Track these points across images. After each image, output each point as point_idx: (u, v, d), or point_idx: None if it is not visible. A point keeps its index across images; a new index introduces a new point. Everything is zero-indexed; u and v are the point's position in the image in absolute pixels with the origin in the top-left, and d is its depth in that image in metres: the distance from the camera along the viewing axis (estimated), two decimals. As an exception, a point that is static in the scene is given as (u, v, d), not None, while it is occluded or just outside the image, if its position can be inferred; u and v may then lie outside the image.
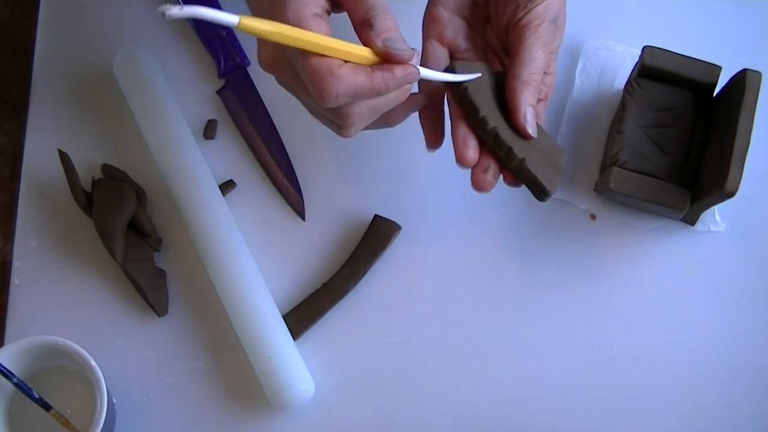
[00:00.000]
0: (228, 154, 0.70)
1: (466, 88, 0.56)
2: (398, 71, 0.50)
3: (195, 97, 0.71)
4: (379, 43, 0.50)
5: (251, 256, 0.66)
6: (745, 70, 0.62)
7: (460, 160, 0.56)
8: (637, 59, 0.67)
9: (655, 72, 0.66)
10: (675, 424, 0.64)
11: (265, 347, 0.63)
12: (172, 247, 0.68)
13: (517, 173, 0.58)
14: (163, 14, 0.41)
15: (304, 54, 0.48)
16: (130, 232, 0.66)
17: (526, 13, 0.57)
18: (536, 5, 0.57)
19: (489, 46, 0.61)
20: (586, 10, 0.61)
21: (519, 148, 0.56)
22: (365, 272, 0.66)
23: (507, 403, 0.65)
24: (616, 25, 0.72)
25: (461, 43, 0.60)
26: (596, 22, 0.71)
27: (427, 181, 0.69)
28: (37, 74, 0.71)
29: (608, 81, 0.71)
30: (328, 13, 0.52)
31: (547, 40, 0.57)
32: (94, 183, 0.67)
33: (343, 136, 0.54)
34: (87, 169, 0.68)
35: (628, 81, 0.67)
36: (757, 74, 0.62)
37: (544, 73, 0.58)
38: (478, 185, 0.57)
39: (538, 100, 0.58)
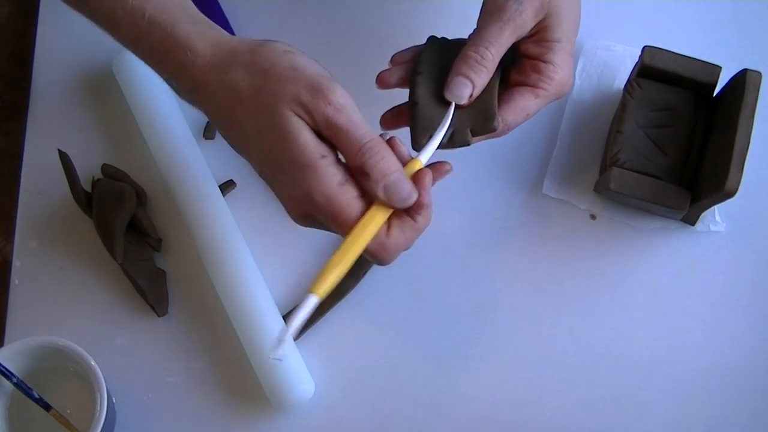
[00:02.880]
0: (228, 154, 0.69)
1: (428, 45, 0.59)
2: (426, 199, 0.51)
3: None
4: (381, 194, 0.50)
5: (251, 256, 0.66)
6: (745, 70, 0.62)
7: (378, 78, 0.58)
8: (637, 59, 0.67)
9: (655, 72, 0.66)
10: (674, 423, 0.64)
11: (265, 347, 0.63)
12: (172, 247, 0.68)
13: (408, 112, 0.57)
14: (279, 359, 0.48)
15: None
16: (130, 232, 0.66)
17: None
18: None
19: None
20: (586, 10, 0.61)
21: (426, 92, 0.57)
22: (365, 272, 0.66)
23: (507, 402, 0.65)
24: (616, 25, 0.72)
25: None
26: (596, 22, 0.71)
27: (427, 181, 0.69)
28: (37, 74, 0.71)
29: (608, 81, 0.71)
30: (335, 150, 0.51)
31: (505, 19, 0.56)
32: (94, 183, 0.67)
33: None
34: (87, 169, 0.68)
35: (628, 81, 0.67)
36: (757, 74, 0.62)
37: (542, 61, 0.57)
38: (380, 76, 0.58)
39: (536, 92, 0.58)
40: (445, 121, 0.56)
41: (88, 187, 0.67)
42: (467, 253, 0.67)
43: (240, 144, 0.52)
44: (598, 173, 0.69)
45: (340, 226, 0.50)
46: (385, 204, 0.50)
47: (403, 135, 0.55)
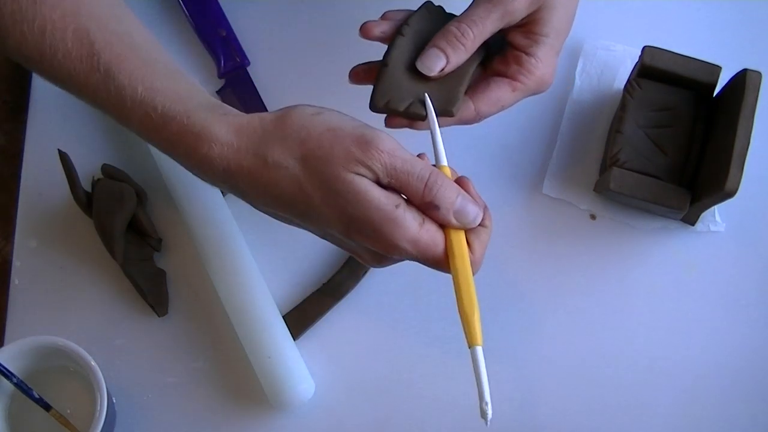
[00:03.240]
0: (228, 154, 0.70)
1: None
2: (487, 212, 0.53)
3: (195, 97, 0.71)
4: (454, 222, 0.51)
5: (251, 256, 0.66)
6: (745, 70, 0.62)
7: (362, 27, 0.58)
8: (637, 59, 0.67)
9: (655, 72, 0.66)
10: (674, 424, 0.64)
11: (265, 347, 0.63)
12: (172, 247, 0.68)
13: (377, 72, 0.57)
14: (489, 418, 0.50)
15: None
16: (130, 232, 0.66)
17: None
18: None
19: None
20: (586, 10, 0.61)
21: (400, 58, 0.57)
22: (365, 272, 0.66)
23: (506, 402, 0.65)
24: (616, 25, 0.72)
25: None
26: (596, 22, 0.71)
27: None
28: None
29: (608, 81, 0.71)
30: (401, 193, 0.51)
31: (496, 2, 0.55)
32: (94, 183, 0.67)
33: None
34: (87, 169, 0.68)
35: (628, 81, 0.67)
36: (757, 74, 0.62)
37: (525, 53, 0.57)
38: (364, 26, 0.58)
39: (513, 84, 0.58)
40: (434, 129, 0.55)
41: (88, 187, 0.67)
42: (467, 253, 0.67)
43: (303, 217, 0.51)
44: (598, 173, 0.69)
45: (434, 262, 0.51)
46: (459, 229, 0.51)
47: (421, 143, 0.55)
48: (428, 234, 0.50)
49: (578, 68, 0.71)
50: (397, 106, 0.56)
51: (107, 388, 0.58)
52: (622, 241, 0.68)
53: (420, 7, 0.60)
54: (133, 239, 0.66)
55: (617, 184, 0.64)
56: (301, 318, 0.66)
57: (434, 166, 0.53)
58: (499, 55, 0.59)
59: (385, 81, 0.56)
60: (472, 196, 0.52)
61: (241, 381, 0.65)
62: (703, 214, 0.67)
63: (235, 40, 0.71)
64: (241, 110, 0.69)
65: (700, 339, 0.66)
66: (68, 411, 0.61)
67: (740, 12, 0.73)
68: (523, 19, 0.57)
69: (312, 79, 0.71)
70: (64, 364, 0.61)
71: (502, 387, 0.65)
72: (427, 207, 0.50)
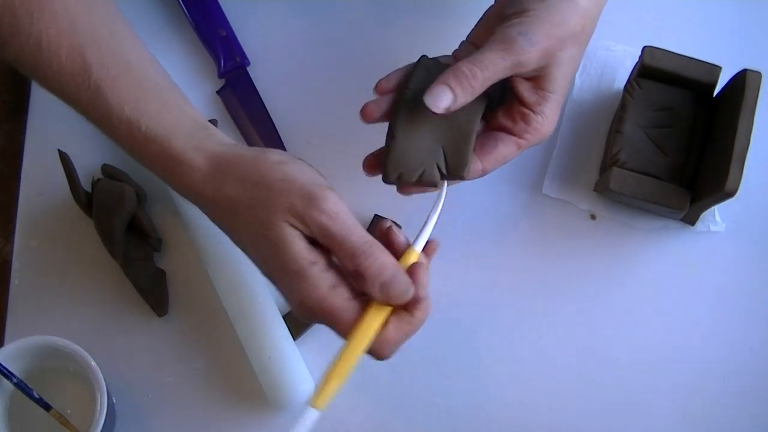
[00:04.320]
0: (228, 154, 0.70)
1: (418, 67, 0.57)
2: (423, 292, 0.52)
3: (195, 97, 0.71)
4: (378, 294, 0.50)
5: (251, 256, 0.66)
6: (745, 70, 0.62)
7: (362, 111, 0.57)
8: (637, 59, 0.67)
9: (655, 72, 0.66)
10: (675, 423, 0.64)
11: (265, 347, 0.63)
12: (172, 247, 0.68)
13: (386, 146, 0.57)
14: None
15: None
16: (130, 232, 0.66)
17: (504, 22, 0.56)
18: (519, 15, 0.55)
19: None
20: (586, 10, 0.62)
21: (407, 127, 0.56)
22: (365, 272, 0.66)
23: (507, 402, 0.65)
24: (616, 25, 0.72)
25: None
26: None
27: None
28: (37, 74, 0.71)
29: (608, 81, 0.71)
30: (328, 253, 0.52)
31: (510, 51, 0.54)
32: (94, 183, 0.67)
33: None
34: (87, 169, 0.68)
35: (628, 81, 0.67)
36: (757, 74, 0.62)
37: (533, 111, 0.57)
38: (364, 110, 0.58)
39: (519, 142, 0.58)
40: (437, 206, 0.56)
41: (88, 187, 0.67)
42: (467, 252, 0.67)
43: (241, 248, 0.53)
44: (598, 173, 0.69)
45: (338, 328, 0.51)
46: (383, 302, 0.51)
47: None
48: (338, 298, 0.50)
49: (579, 68, 0.71)
50: (410, 177, 0.56)
51: (107, 388, 0.58)
52: (622, 241, 0.68)
53: (416, 64, 0.58)
54: (133, 239, 0.66)
55: (617, 184, 0.64)
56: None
57: (407, 247, 0.53)
58: (502, 106, 0.59)
59: (395, 153, 0.56)
60: (417, 283, 0.52)
61: (241, 381, 0.65)
62: (703, 214, 0.67)
63: (235, 40, 0.71)
64: (240, 110, 0.70)
65: (700, 339, 0.66)
66: (68, 411, 0.61)
67: (740, 12, 0.73)
68: (531, 71, 0.56)
69: (312, 78, 0.71)
70: (64, 364, 0.61)
71: (502, 387, 0.65)
72: (354, 276, 0.51)
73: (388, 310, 0.51)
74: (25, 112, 0.71)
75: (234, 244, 0.54)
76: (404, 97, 0.56)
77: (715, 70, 0.65)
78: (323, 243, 0.51)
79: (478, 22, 0.61)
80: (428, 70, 0.57)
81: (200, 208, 0.54)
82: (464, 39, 0.61)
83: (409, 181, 0.56)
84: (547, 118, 0.57)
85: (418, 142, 0.56)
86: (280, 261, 0.50)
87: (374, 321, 0.50)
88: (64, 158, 0.66)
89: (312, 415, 0.49)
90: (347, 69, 0.71)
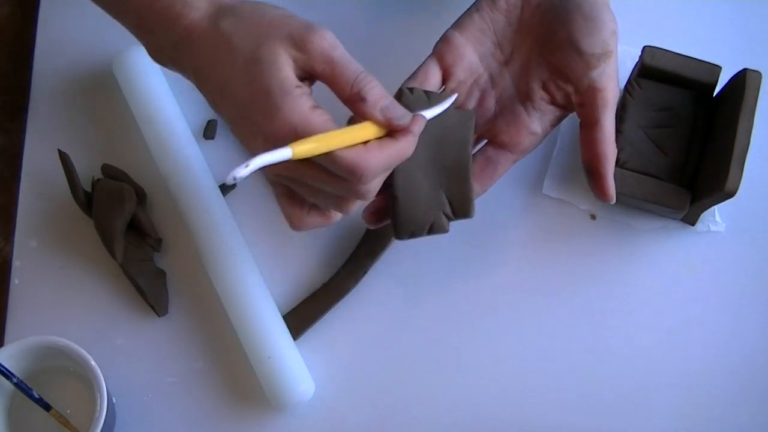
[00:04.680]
0: (228, 154, 0.70)
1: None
2: (415, 128, 0.51)
3: (195, 97, 0.70)
4: (378, 114, 0.50)
5: (251, 256, 0.66)
6: (745, 70, 0.62)
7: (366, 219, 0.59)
8: (637, 59, 0.67)
9: (655, 72, 0.66)
10: (675, 423, 0.64)
11: (265, 347, 0.63)
12: (172, 247, 0.68)
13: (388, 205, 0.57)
14: (235, 177, 0.45)
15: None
16: (130, 232, 0.66)
17: (600, 74, 0.58)
18: (609, 61, 0.58)
19: (495, 88, 0.61)
20: (586, 10, 0.62)
21: (405, 185, 0.56)
22: (365, 272, 0.66)
23: (507, 402, 0.65)
24: (616, 25, 0.72)
25: (458, 74, 0.60)
26: (596, 22, 0.71)
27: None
28: (37, 74, 0.71)
29: (608, 81, 0.71)
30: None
31: (614, 104, 0.59)
32: (94, 183, 0.67)
33: (346, 213, 0.54)
34: (87, 169, 0.68)
35: (628, 81, 0.67)
36: (757, 74, 0.62)
37: (532, 133, 0.60)
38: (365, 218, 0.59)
39: (516, 157, 0.61)
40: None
41: (88, 187, 0.67)
42: (467, 253, 0.67)
43: (217, 87, 0.52)
44: (598, 173, 0.69)
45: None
46: (381, 123, 0.50)
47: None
48: (320, 117, 0.49)
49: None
50: (421, 231, 0.57)
51: (107, 388, 0.58)
52: (622, 241, 0.68)
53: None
54: (133, 239, 0.66)
55: (617, 184, 0.63)
56: (301, 318, 0.66)
57: None
58: (496, 120, 0.60)
59: (401, 212, 0.57)
60: (414, 120, 0.51)
61: (241, 381, 0.65)
62: (703, 214, 0.67)
63: (235, 39, 0.71)
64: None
65: (700, 339, 0.66)
66: (68, 411, 0.61)
67: (740, 12, 0.73)
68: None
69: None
70: (64, 364, 0.61)
71: (502, 386, 0.65)
72: (354, 98, 0.50)
73: (375, 134, 0.50)
74: (25, 112, 0.71)
75: (212, 103, 0.52)
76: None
77: (715, 70, 0.65)
78: (321, 70, 0.50)
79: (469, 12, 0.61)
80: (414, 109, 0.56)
81: (182, 55, 0.52)
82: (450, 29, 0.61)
83: (420, 236, 0.57)
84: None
85: (420, 195, 0.57)
86: (268, 81, 0.49)
87: (362, 131, 0.49)
88: (64, 158, 0.66)
89: (286, 153, 0.46)
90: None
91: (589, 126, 0.59)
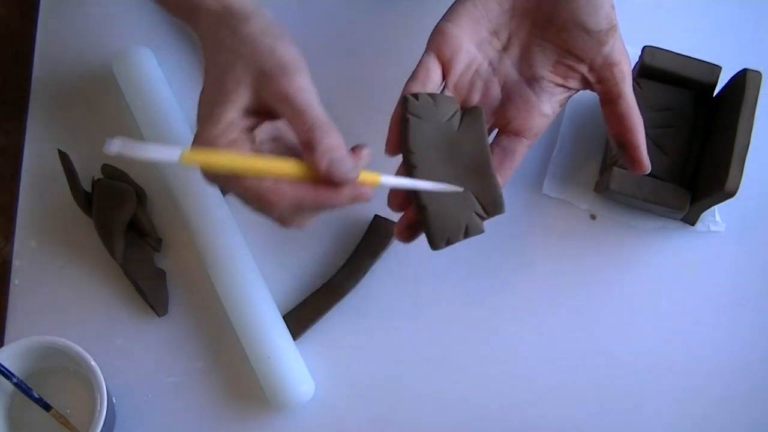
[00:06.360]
0: (228, 154, 0.70)
1: (407, 120, 0.56)
2: (347, 190, 0.50)
3: (195, 97, 0.70)
4: (323, 165, 0.49)
5: (251, 256, 0.66)
6: (745, 70, 0.62)
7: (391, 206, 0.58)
8: (637, 59, 0.67)
9: (655, 72, 0.66)
10: (675, 424, 0.64)
11: (265, 347, 0.63)
12: (172, 247, 0.68)
13: (419, 216, 0.56)
14: (109, 149, 0.44)
15: (240, 177, 0.49)
16: (130, 232, 0.66)
17: (611, 49, 0.57)
18: (616, 35, 0.57)
19: (498, 75, 0.60)
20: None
21: (431, 195, 0.55)
22: (365, 272, 0.66)
23: (507, 402, 0.65)
24: (616, 25, 0.72)
25: (458, 66, 0.58)
26: (596, 22, 0.71)
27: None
28: (37, 74, 0.71)
29: (608, 81, 0.71)
30: (252, 129, 0.52)
31: (630, 75, 0.59)
32: (94, 183, 0.67)
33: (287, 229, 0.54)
34: (87, 169, 0.68)
35: (628, 81, 0.67)
36: (757, 74, 0.62)
37: (544, 114, 0.59)
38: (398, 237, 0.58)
39: (529, 142, 0.59)
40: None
41: (88, 187, 0.67)
42: (467, 253, 0.67)
43: (205, 64, 0.55)
44: (598, 173, 0.69)
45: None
46: (323, 174, 0.49)
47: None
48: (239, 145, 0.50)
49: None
50: (457, 237, 0.56)
51: (107, 388, 0.58)
52: (622, 241, 0.68)
53: (404, 117, 0.56)
54: (133, 239, 0.66)
55: (617, 184, 0.64)
56: (301, 318, 0.66)
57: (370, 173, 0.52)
58: (502, 105, 0.59)
59: (433, 222, 0.55)
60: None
61: (241, 381, 0.65)
62: (703, 214, 0.67)
63: (235, 39, 0.71)
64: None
65: (700, 339, 0.66)
66: (68, 411, 0.61)
67: (740, 12, 0.73)
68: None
69: (311, 79, 0.71)
70: (64, 364, 0.61)
71: (502, 386, 0.65)
72: (304, 145, 0.50)
73: (297, 170, 0.50)
74: (25, 112, 0.71)
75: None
76: (411, 162, 0.55)
77: (715, 70, 0.65)
78: (282, 111, 0.51)
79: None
80: (419, 118, 0.56)
81: (193, 22, 0.56)
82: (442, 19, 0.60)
83: (457, 241, 0.56)
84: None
85: (448, 201, 0.55)
86: (214, 101, 0.52)
87: (278, 162, 0.50)
88: (64, 158, 0.66)
89: (174, 153, 0.46)
90: (347, 67, 0.71)
91: (611, 101, 0.59)
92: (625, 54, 0.58)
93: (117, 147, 0.44)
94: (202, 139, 0.51)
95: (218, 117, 0.51)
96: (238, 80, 0.52)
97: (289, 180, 0.50)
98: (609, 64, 0.58)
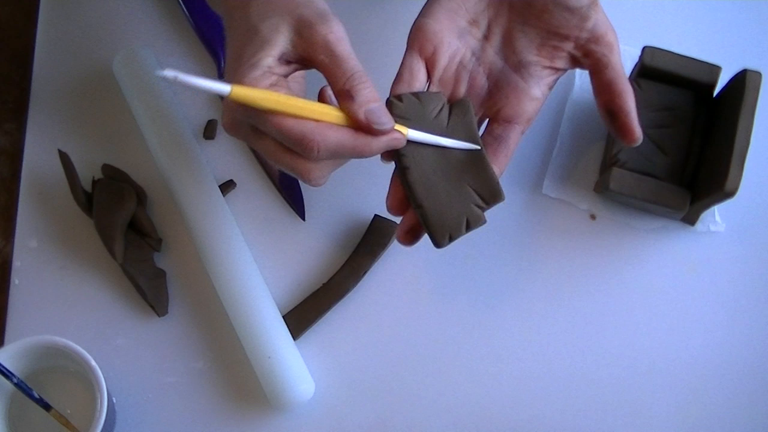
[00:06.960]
0: (228, 154, 0.70)
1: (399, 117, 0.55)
2: (384, 137, 0.52)
3: (195, 97, 0.71)
4: (361, 115, 0.50)
5: (251, 256, 0.66)
6: (745, 70, 0.62)
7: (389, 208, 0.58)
8: (637, 59, 0.67)
9: (655, 72, 0.66)
10: (674, 424, 0.64)
11: (265, 347, 0.63)
12: (172, 247, 0.68)
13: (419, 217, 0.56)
14: (164, 75, 0.44)
15: (281, 116, 0.49)
16: (130, 232, 0.66)
17: (595, 22, 0.57)
18: (597, 7, 0.57)
19: (483, 64, 0.60)
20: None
21: (426, 192, 0.55)
22: (365, 272, 0.66)
23: (507, 402, 0.65)
24: (616, 25, 0.71)
25: (441, 60, 0.58)
26: (596, 22, 0.71)
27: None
28: (37, 74, 0.71)
29: (608, 81, 0.71)
30: (286, 76, 0.52)
31: (617, 44, 0.58)
32: (94, 183, 0.67)
33: (309, 184, 0.54)
34: (87, 169, 0.68)
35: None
36: (757, 74, 0.62)
37: (534, 98, 0.59)
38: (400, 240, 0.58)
39: (523, 127, 0.59)
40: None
41: (88, 187, 0.67)
42: (467, 253, 0.67)
43: (229, 29, 0.54)
44: (598, 173, 0.69)
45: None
46: (362, 123, 0.50)
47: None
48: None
49: (578, 68, 0.71)
50: (459, 232, 0.56)
51: (107, 388, 0.58)
52: (622, 241, 0.68)
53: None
54: (133, 239, 0.66)
55: (617, 184, 0.64)
56: (301, 318, 0.66)
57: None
58: (490, 95, 0.59)
59: (432, 220, 0.55)
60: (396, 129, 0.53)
61: (241, 381, 0.65)
62: (703, 214, 0.67)
63: (235, 39, 0.71)
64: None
65: (700, 339, 0.66)
66: (68, 411, 0.61)
67: (740, 12, 0.73)
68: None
69: (311, 78, 0.71)
70: (64, 364, 0.61)
71: (502, 386, 0.65)
72: (343, 95, 0.51)
73: (336, 117, 0.50)
74: (25, 112, 0.71)
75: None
76: (404, 164, 0.55)
77: (715, 70, 0.65)
78: (320, 61, 0.51)
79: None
80: (406, 120, 0.55)
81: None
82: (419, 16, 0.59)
83: (460, 235, 0.56)
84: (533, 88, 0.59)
85: (444, 197, 0.56)
86: (250, 50, 0.51)
87: (320, 107, 0.50)
88: (64, 158, 0.66)
89: (225, 88, 0.47)
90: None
91: (599, 71, 0.58)
92: (609, 24, 0.58)
93: (172, 74, 0.44)
94: (241, 82, 0.50)
95: (258, 61, 0.50)
96: (275, 27, 0.51)
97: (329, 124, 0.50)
98: (596, 37, 0.58)
